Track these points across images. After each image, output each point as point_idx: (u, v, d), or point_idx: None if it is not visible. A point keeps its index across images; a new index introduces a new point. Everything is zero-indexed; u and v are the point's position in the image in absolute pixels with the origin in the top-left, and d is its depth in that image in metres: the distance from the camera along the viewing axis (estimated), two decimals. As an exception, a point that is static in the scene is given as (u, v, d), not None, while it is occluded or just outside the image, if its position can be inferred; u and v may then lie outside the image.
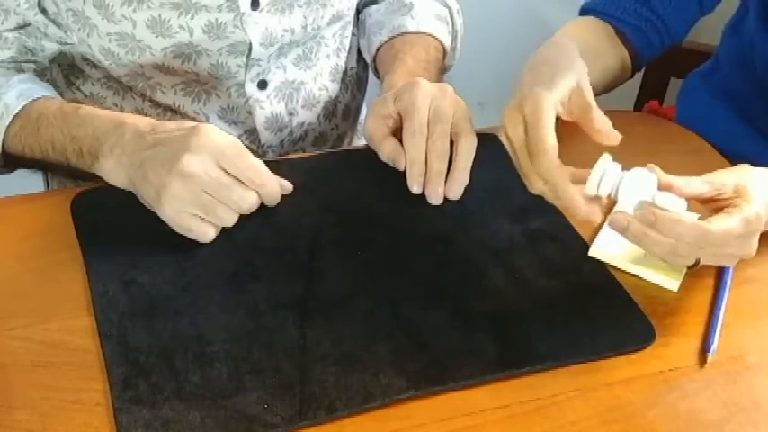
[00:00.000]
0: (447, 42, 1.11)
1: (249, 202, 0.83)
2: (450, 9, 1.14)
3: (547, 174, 0.79)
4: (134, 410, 0.69)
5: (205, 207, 0.81)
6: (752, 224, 0.78)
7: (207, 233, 0.82)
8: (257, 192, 0.84)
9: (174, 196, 0.80)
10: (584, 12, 1.12)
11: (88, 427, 0.68)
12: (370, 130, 0.93)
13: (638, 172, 0.78)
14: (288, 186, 0.88)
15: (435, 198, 0.89)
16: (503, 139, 0.84)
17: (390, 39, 1.09)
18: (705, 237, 0.76)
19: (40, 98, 0.93)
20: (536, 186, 0.82)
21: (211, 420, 0.68)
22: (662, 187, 0.78)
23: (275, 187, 0.86)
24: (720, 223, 0.77)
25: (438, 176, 0.88)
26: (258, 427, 0.68)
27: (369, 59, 1.14)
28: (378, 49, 1.11)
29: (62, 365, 0.73)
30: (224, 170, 0.81)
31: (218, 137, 0.82)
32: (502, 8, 2.03)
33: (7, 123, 0.92)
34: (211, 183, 0.80)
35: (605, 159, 0.79)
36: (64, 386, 0.71)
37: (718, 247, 0.78)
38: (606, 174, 0.78)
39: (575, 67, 0.87)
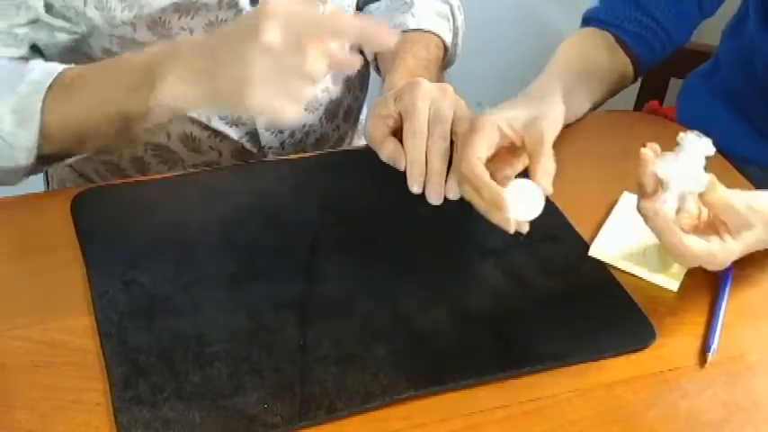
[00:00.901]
0: (448, 39, 1.11)
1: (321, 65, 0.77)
2: (451, 6, 1.14)
3: (468, 175, 0.81)
4: (134, 410, 0.69)
5: (286, 83, 0.76)
6: (717, 258, 0.79)
7: (296, 112, 0.78)
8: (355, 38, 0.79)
9: (261, 79, 0.75)
10: (586, 21, 1.14)
11: (88, 427, 0.68)
12: (370, 131, 0.93)
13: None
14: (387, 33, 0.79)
15: (435, 198, 0.89)
16: None
17: None
18: (678, 249, 0.78)
19: (66, 69, 0.89)
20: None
21: (211, 420, 0.68)
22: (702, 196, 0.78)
23: (369, 26, 0.79)
24: (695, 243, 0.78)
25: (438, 177, 0.88)
26: (258, 427, 0.68)
27: (370, 57, 1.14)
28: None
29: (62, 365, 0.73)
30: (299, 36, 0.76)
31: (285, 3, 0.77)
32: (502, 8, 2.03)
33: (42, 97, 0.87)
34: (288, 52, 0.75)
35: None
36: (64, 386, 0.71)
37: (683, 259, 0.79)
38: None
39: (540, 109, 0.88)
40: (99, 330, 0.75)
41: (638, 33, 1.09)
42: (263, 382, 0.71)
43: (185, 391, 0.70)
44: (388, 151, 0.91)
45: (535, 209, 0.80)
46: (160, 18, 0.95)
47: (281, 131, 1.10)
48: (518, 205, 0.79)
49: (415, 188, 0.89)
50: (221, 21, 0.96)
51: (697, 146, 0.78)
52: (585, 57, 1.06)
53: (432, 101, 0.89)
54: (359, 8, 1.17)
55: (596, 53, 1.08)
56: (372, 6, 1.16)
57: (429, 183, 0.88)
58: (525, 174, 0.82)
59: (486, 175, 0.81)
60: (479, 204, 0.82)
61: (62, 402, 0.70)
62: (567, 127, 0.85)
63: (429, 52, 1.06)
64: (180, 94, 0.79)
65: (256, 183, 0.93)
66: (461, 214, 0.89)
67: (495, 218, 0.81)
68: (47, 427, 0.68)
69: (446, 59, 1.12)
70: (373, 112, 0.93)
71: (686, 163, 0.78)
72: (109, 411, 0.69)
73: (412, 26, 1.08)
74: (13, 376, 0.72)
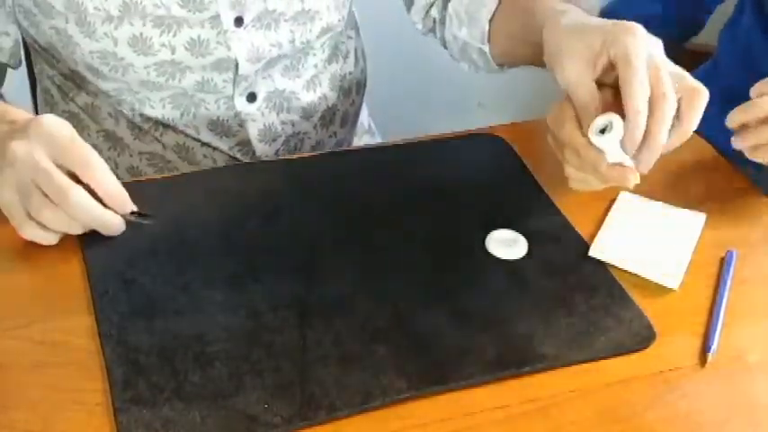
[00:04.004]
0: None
1: (77, 201, 0.79)
2: None
3: (569, 139, 0.79)
4: (134, 410, 0.69)
5: (27, 196, 0.78)
6: None
7: (28, 234, 0.80)
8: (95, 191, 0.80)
9: (5, 185, 0.78)
10: (605, 16, 1.15)
11: (88, 427, 0.68)
12: (573, 77, 0.81)
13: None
14: (127, 207, 0.83)
15: (645, 167, 0.78)
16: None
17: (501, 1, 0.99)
18: None
19: None
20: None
21: (211, 420, 0.68)
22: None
23: (111, 189, 0.81)
24: None
25: (659, 142, 0.77)
26: (258, 427, 0.68)
27: (478, 43, 1.02)
28: (490, 22, 0.99)
29: (62, 365, 0.73)
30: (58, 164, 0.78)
31: (53, 125, 0.79)
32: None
33: None
34: (39, 172, 0.77)
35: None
36: (64, 386, 0.71)
37: None
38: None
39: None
40: (99, 330, 0.75)
41: (657, 26, 1.11)
42: (263, 382, 0.71)
43: (185, 391, 0.70)
44: (587, 99, 0.81)
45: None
46: (141, 34, 0.94)
47: (274, 140, 1.09)
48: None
49: (629, 148, 0.77)
50: (203, 39, 0.96)
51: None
52: None
53: (647, 50, 0.81)
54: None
55: None
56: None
57: (647, 146, 0.77)
58: None
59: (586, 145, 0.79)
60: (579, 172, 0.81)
61: (62, 402, 0.70)
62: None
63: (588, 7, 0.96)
64: None
65: (256, 183, 0.93)
66: (462, 214, 0.90)
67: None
68: (47, 427, 0.68)
69: None
70: (572, 54, 0.82)
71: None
72: (109, 411, 0.69)
73: None
74: (13, 376, 0.72)
